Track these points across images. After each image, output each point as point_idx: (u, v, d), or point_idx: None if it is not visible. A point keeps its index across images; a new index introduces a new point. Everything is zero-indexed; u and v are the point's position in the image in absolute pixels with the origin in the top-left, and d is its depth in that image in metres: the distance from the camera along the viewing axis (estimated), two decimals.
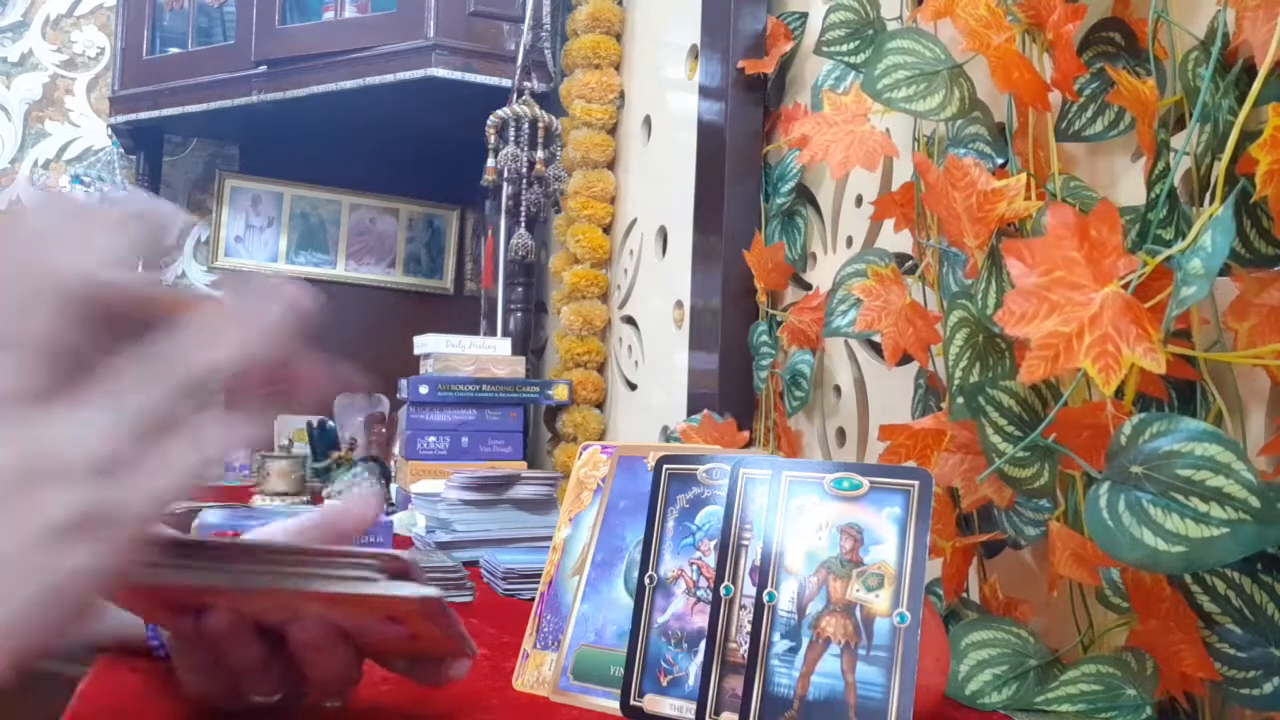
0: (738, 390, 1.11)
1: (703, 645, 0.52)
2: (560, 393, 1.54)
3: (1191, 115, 0.56)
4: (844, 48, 0.85)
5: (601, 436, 1.59)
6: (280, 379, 0.38)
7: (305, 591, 0.42)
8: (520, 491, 1.11)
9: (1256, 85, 0.51)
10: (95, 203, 0.36)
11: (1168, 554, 0.48)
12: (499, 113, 1.62)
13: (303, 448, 1.81)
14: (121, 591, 0.45)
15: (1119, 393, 0.54)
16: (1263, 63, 0.50)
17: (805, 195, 1.08)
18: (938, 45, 0.71)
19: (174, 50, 2.00)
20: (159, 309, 0.36)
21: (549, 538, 0.66)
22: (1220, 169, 0.52)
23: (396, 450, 1.54)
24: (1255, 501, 0.46)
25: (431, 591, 0.42)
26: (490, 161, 1.61)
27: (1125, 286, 0.52)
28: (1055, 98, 0.68)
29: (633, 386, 1.51)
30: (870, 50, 0.83)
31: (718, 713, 0.50)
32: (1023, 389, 0.62)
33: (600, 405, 1.61)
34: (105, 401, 0.33)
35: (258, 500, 1.52)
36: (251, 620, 0.46)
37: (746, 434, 1.07)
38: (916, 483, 0.50)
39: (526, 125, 1.61)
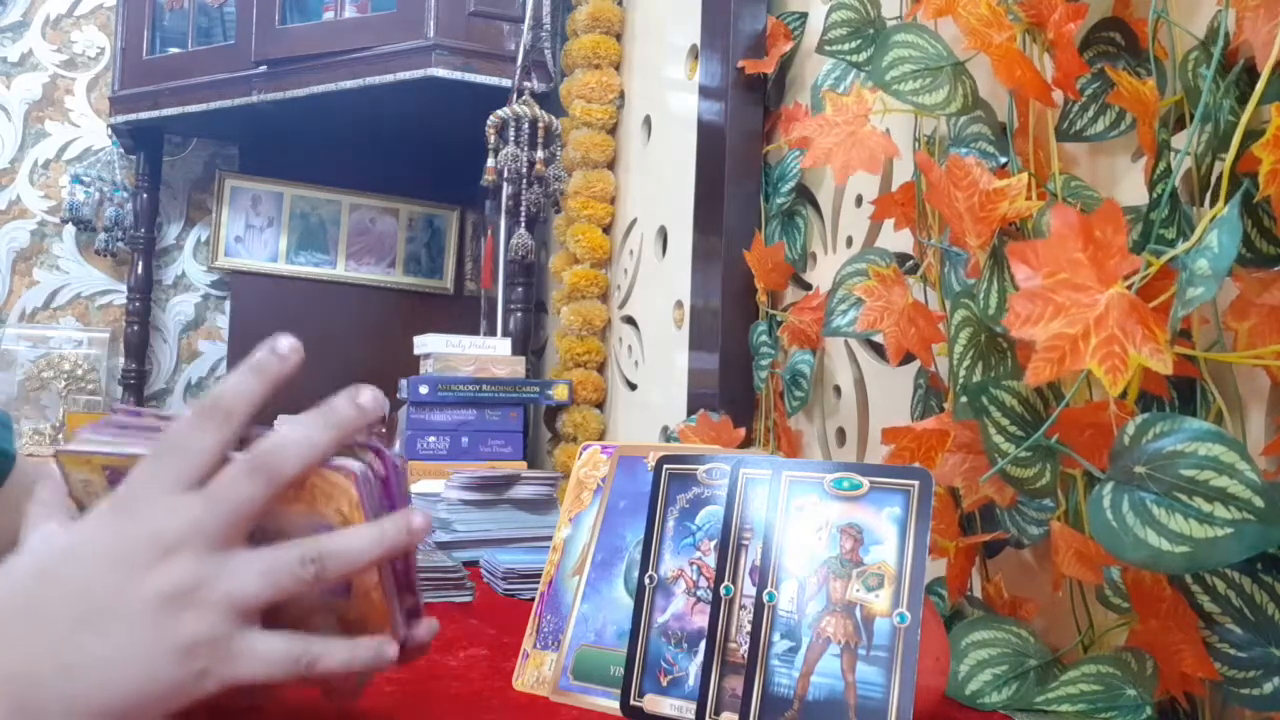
0: (738, 390, 1.11)
1: (703, 645, 0.52)
2: (560, 393, 1.54)
3: (1192, 115, 0.56)
4: (846, 46, 0.85)
5: (601, 436, 1.59)
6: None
7: None
8: (520, 491, 1.11)
9: (1260, 85, 0.50)
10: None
11: (1171, 554, 0.48)
12: (499, 113, 1.62)
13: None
14: None
15: (1123, 393, 0.54)
16: (1264, 63, 0.50)
17: (805, 195, 1.08)
18: (940, 42, 0.71)
19: (174, 50, 1.99)
20: (324, 497, 0.45)
21: (549, 538, 0.66)
22: (1224, 169, 0.52)
23: (396, 449, 1.54)
24: (1259, 501, 0.46)
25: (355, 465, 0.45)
26: (490, 161, 1.61)
27: (1129, 287, 0.52)
28: (1056, 97, 0.68)
29: (633, 386, 1.51)
30: (873, 49, 0.83)
31: (718, 713, 0.50)
32: (1025, 389, 0.62)
33: (600, 405, 1.61)
34: (265, 561, 0.42)
35: None
36: None
37: (743, 431, 1.07)
38: (916, 483, 0.50)
39: (526, 125, 1.61)
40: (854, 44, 0.85)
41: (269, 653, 0.42)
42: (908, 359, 0.77)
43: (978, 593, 0.75)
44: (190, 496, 0.42)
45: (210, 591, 0.41)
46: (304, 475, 0.43)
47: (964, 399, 0.62)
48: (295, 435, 0.43)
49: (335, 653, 0.43)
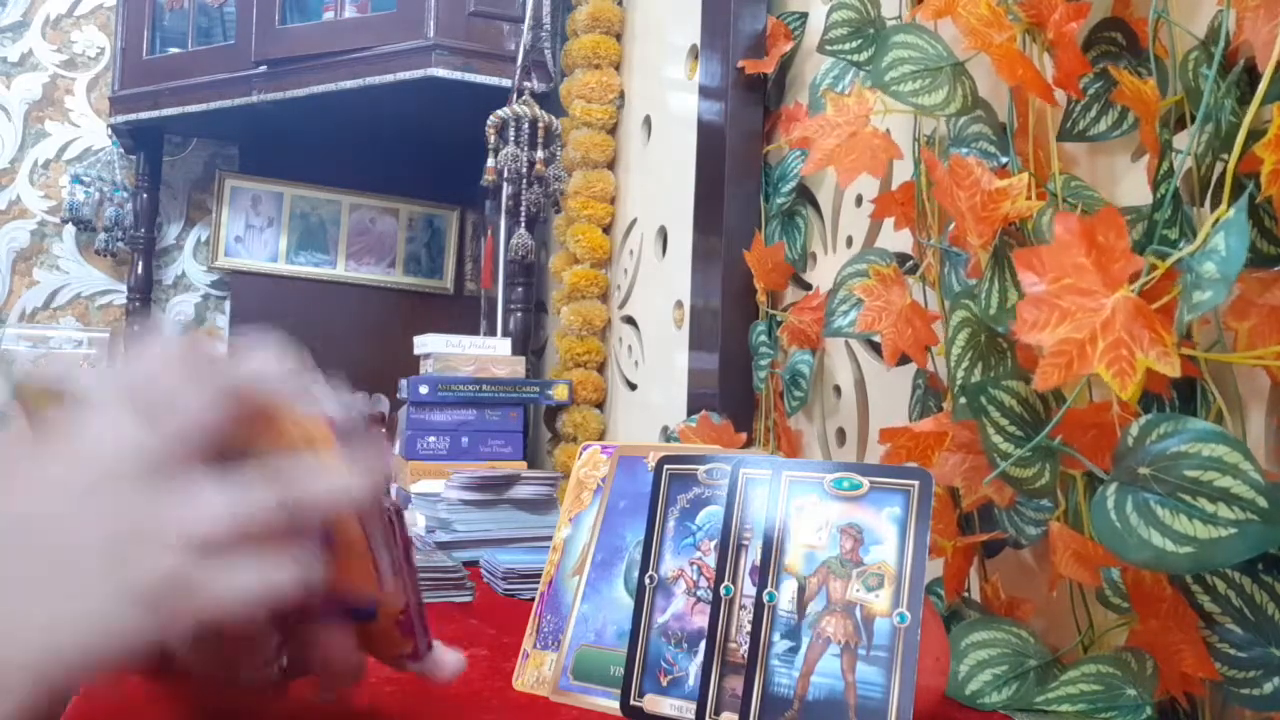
0: (738, 390, 1.11)
1: (703, 645, 0.52)
2: (560, 393, 1.54)
3: (1193, 115, 0.56)
4: (847, 46, 0.85)
5: (601, 436, 1.59)
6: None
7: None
8: (520, 491, 1.11)
9: (1262, 86, 0.50)
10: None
11: (1175, 555, 0.48)
12: (499, 113, 1.61)
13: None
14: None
15: None
16: (1265, 63, 0.50)
17: (805, 195, 1.08)
18: (940, 42, 0.71)
19: (174, 50, 1.99)
20: (299, 435, 0.41)
21: (549, 538, 0.66)
22: (1228, 170, 0.52)
23: (396, 450, 1.54)
24: (1263, 501, 0.46)
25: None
26: (490, 161, 1.61)
27: (1134, 290, 0.52)
28: (1058, 97, 0.67)
29: (633, 386, 1.51)
30: (873, 48, 0.83)
31: (718, 713, 0.50)
32: (1024, 389, 0.62)
33: (600, 405, 1.61)
34: (228, 497, 0.38)
35: None
36: None
37: (744, 436, 1.07)
38: (916, 483, 0.50)
39: (526, 125, 1.61)
40: (855, 43, 0.85)
41: (237, 584, 0.38)
42: (906, 359, 0.77)
43: (977, 593, 0.75)
44: (133, 417, 0.38)
45: (164, 527, 0.37)
46: (259, 397, 0.40)
47: (963, 400, 0.62)
48: (255, 357, 0.41)
49: (302, 568, 0.39)
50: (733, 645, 0.51)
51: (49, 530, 0.36)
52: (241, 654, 0.47)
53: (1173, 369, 0.49)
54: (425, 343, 1.53)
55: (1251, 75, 0.54)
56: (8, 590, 0.35)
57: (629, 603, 0.58)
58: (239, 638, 0.46)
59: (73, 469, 0.37)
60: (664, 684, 0.53)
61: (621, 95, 1.62)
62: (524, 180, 1.61)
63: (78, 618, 0.35)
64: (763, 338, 1.09)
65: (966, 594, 0.75)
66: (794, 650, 0.49)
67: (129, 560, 0.36)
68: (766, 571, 0.52)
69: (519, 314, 1.79)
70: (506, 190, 1.66)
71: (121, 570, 0.36)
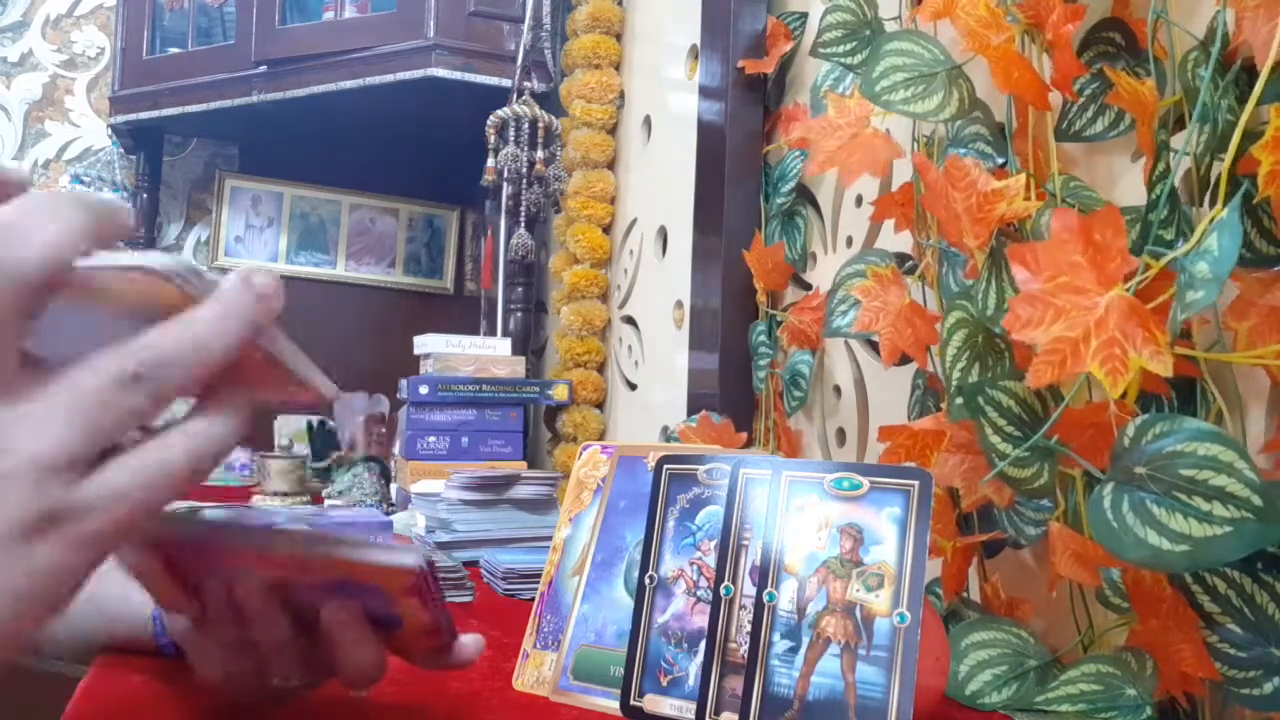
0: (738, 390, 1.11)
1: (703, 645, 0.52)
2: (560, 393, 1.54)
3: (1191, 116, 0.56)
4: (841, 49, 0.85)
5: (601, 436, 1.59)
6: (246, 374, 0.36)
7: (328, 558, 0.43)
8: (520, 491, 1.11)
9: (1259, 86, 0.51)
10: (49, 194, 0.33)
11: (1171, 553, 0.48)
12: (499, 113, 1.62)
13: (303, 448, 1.81)
14: (138, 565, 0.44)
15: (1123, 393, 0.54)
16: (1263, 63, 0.50)
17: (805, 195, 1.08)
18: (937, 46, 0.71)
19: (174, 50, 1.99)
20: (124, 299, 0.34)
21: (549, 538, 0.66)
22: (1224, 170, 0.52)
23: (396, 450, 1.54)
24: (1258, 500, 0.46)
25: (416, 561, 0.43)
26: (490, 161, 1.61)
27: (1129, 289, 0.52)
28: (1055, 98, 0.68)
29: (633, 386, 1.51)
30: (867, 52, 0.83)
31: (718, 713, 0.50)
32: (1022, 389, 0.62)
33: (600, 405, 1.61)
34: (60, 397, 0.32)
35: (257, 500, 1.52)
36: (280, 596, 0.46)
37: (744, 436, 1.07)
38: (916, 483, 0.50)
39: (526, 125, 1.61)
40: (849, 46, 0.85)
41: (123, 487, 0.33)
42: (906, 359, 0.77)
43: (977, 594, 0.75)
44: None
45: (8, 458, 0.31)
46: (61, 272, 0.32)
47: (960, 400, 0.62)
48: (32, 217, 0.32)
49: (194, 434, 0.35)
50: (733, 645, 0.52)
51: None
52: (268, 660, 0.47)
53: (1165, 368, 0.49)
54: (425, 343, 1.53)
55: (1250, 75, 0.54)
56: None
57: (629, 603, 0.58)
58: (265, 643, 0.46)
59: None
60: (664, 684, 0.53)
61: (621, 95, 1.62)
62: (524, 180, 1.61)
63: None
64: (763, 338, 1.09)
65: (965, 594, 0.75)
66: (794, 650, 0.49)
67: None
68: (766, 571, 0.52)
69: (519, 314, 1.80)
70: (506, 190, 1.66)
71: None
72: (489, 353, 1.51)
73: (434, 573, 0.45)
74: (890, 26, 0.86)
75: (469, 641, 0.50)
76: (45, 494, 0.31)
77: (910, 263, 0.85)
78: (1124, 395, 0.57)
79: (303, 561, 0.44)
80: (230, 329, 0.34)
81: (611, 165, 1.62)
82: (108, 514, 0.32)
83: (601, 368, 1.62)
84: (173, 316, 0.34)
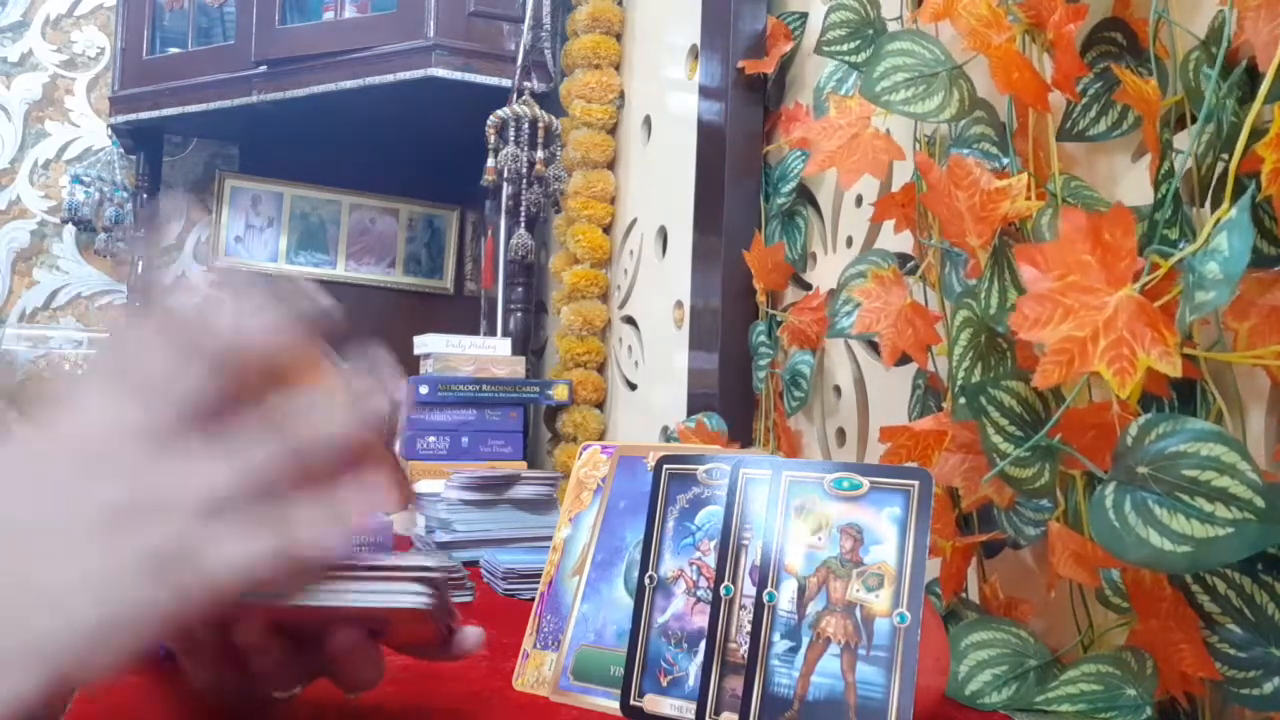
0: (738, 390, 1.11)
1: (703, 645, 0.52)
2: (560, 393, 1.54)
3: (1193, 116, 0.56)
4: (844, 47, 0.85)
5: (601, 436, 1.59)
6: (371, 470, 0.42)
7: (338, 607, 0.43)
8: (520, 491, 1.11)
9: (1265, 86, 0.50)
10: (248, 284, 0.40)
11: (1173, 554, 0.48)
12: (499, 113, 1.62)
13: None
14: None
15: None
16: (1267, 63, 0.50)
17: (805, 195, 1.08)
18: (938, 46, 0.71)
19: (174, 50, 1.99)
20: (292, 374, 0.40)
21: (549, 538, 0.66)
22: (1231, 169, 0.52)
23: (396, 450, 1.54)
24: (1259, 501, 0.46)
25: (426, 601, 0.44)
26: (490, 161, 1.61)
27: (1137, 289, 0.52)
28: (1057, 98, 0.67)
29: (633, 386, 1.51)
30: (870, 51, 0.83)
31: (718, 713, 0.50)
32: (1024, 389, 0.61)
33: (600, 405, 1.61)
34: (225, 453, 0.36)
35: None
36: (280, 628, 0.45)
37: (738, 445, 1.07)
38: (916, 483, 0.50)
39: (526, 125, 1.61)
40: (852, 45, 0.85)
41: (246, 548, 0.36)
42: (906, 359, 0.77)
43: (976, 594, 0.75)
44: (123, 390, 0.36)
45: (165, 492, 0.35)
46: (263, 352, 0.38)
47: (962, 400, 0.62)
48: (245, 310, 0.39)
49: (313, 520, 0.38)
50: (733, 645, 0.51)
51: (47, 508, 0.34)
52: (261, 669, 0.47)
53: (1174, 369, 0.49)
54: (425, 343, 1.53)
55: (1252, 75, 0.54)
56: (9, 568, 0.33)
57: (629, 603, 0.58)
58: (254, 650, 0.46)
59: (59, 444, 0.36)
60: (664, 684, 0.53)
61: (621, 95, 1.62)
62: (524, 180, 1.61)
63: (82, 592, 0.33)
64: (762, 338, 1.09)
65: (965, 594, 0.75)
66: (794, 650, 0.49)
67: (128, 531, 0.34)
68: (766, 571, 0.52)
69: (519, 314, 1.79)
70: (506, 190, 1.66)
71: (120, 542, 0.34)
72: (489, 353, 1.51)
73: (444, 589, 0.45)
74: (892, 26, 0.86)
75: (470, 634, 0.50)
76: (183, 536, 0.35)
77: (911, 263, 0.85)
78: (1127, 395, 0.57)
79: (312, 611, 0.43)
80: (376, 424, 0.41)
81: (611, 165, 1.62)
82: (233, 568, 0.35)
83: (601, 368, 1.62)
84: (320, 393, 0.40)
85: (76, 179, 2.17)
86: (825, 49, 0.86)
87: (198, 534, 0.35)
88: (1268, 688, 0.52)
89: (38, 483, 0.35)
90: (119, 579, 0.34)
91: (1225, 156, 0.53)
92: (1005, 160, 0.71)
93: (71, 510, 0.34)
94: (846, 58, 0.85)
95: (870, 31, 0.85)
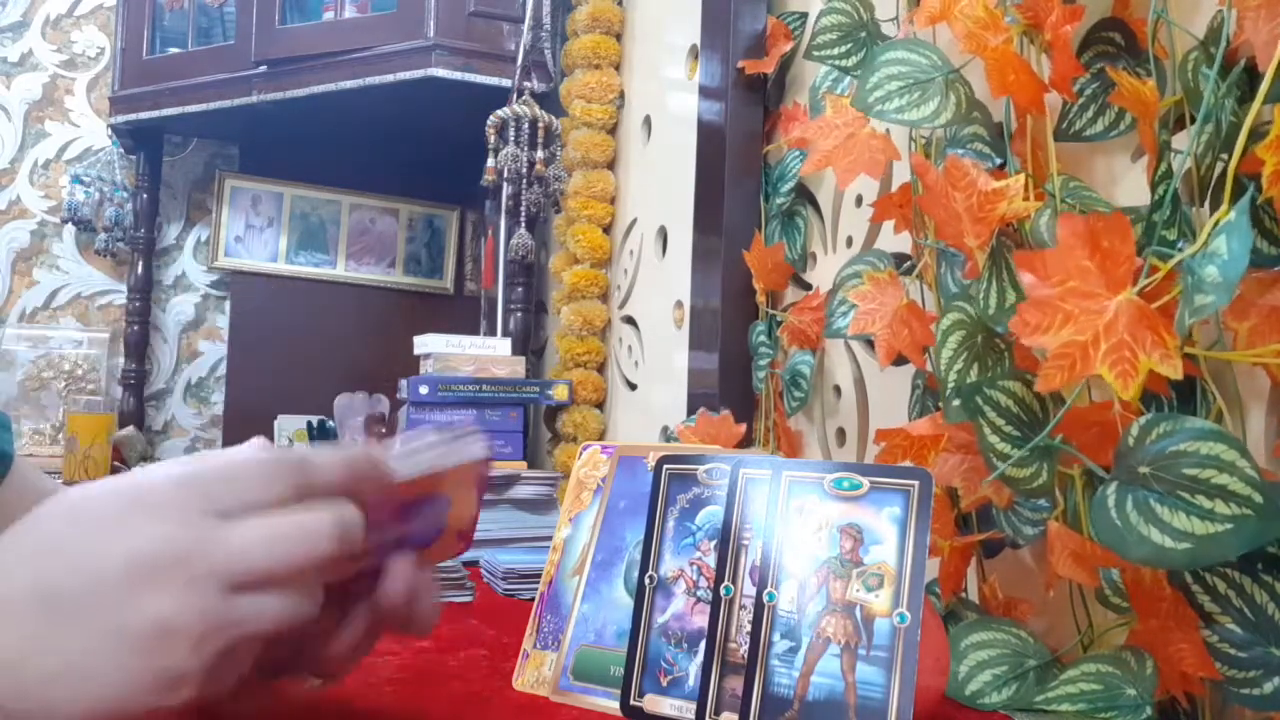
0: (738, 390, 1.11)
1: (703, 645, 0.52)
2: (560, 393, 1.54)
3: (1192, 116, 0.56)
4: (835, 51, 0.85)
5: (601, 436, 1.59)
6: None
7: (419, 476, 0.45)
8: (520, 491, 1.11)
9: (1264, 86, 0.50)
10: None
11: (1173, 551, 0.48)
12: (499, 113, 1.62)
13: (303, 448, 1.80)
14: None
15: None
16: (1266, 63, 0.50)
17: (805, 195, 1.08)
18: (934, 52, 0.71)
19: (174, 50, 1.99)
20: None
21: (549, 538, 0.66)
22: (1230, 171, 0.52)
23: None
24: (1258, 498, 0.47)
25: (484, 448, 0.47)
26: (490, 161, 1.61)
27: (1136, 291, 0.52)
28: (1054, 99, 0.67)
29: (633, 386, 1.51)
30: (863, 54, 0.83)
31: (718, 713, 0.50)
32: (1021, 389, 0.62)
33: (600, 405, 1.61)
34: (267, 529, 0.37)
35: None
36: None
37: (743, 428, 1.07)
38: (916, 483, 0.50)
39: (526, 125, 1.61)
40: (844, 48, 0.85)
41: (266, 614, 0.36)
42: (904, 359, 0.77)
43: (975, 593, 0.75)
44: (195, 471, 0.38)
45: (196, 561, 0.35)
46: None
47: (956, 402, 0.62)
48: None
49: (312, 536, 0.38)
50: (733, 645, 0.52)
51: (79, 559, 0.35)
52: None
53: (1175, 371, 0.49)
54: (425, 343, 1.53)
55: (1252, 75, 0.54)
56: (36, 627, 0.34)
57: (629, 603, 0.58)
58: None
59: (102, 499, 0.36)
60: (664, 684, 0.53)
61: (621, 95, 1.62)
62: (524, 180, 1.61)
63: (96, 655, 0.33)
64: (762, 338, 1.09)
65: (964, 594, 0.75)
66: (794, 650, 0.49)
67: (148, 596, 0.34)
68: (766, 571, 0.52)
69: (519, 314, 1.79)
70: (506, 190, 1.66)
71: (139, 606, 0.34)
72: (489, 353, 1.51)
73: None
74: (887, 29, 0.86)
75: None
76: (210, 607, 0.35)
77: (909, 263, 0.85)
78: (1130, 397, 0.57)
79: (398, 489, 0.44)
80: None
81: (611, 165, 1.62)
82: (243, 636, 0.36)
83: (601, 368, 1.62)
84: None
85: (76, 179, 2.17)
86: (815, 54, 0.86)
87: (218, 607, 0.35)
88: (1268, 687, 0.52)
89: (86, 525, 0.36)
90: (124, 650, 0.34)
91: (1224, 157, 0.53)
92: (1000, 160, 0.71)
93: (100, 568, 0.34)
94: (837, 62, 0.85)
95: (863, 34, 0.85)
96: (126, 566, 0.34)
